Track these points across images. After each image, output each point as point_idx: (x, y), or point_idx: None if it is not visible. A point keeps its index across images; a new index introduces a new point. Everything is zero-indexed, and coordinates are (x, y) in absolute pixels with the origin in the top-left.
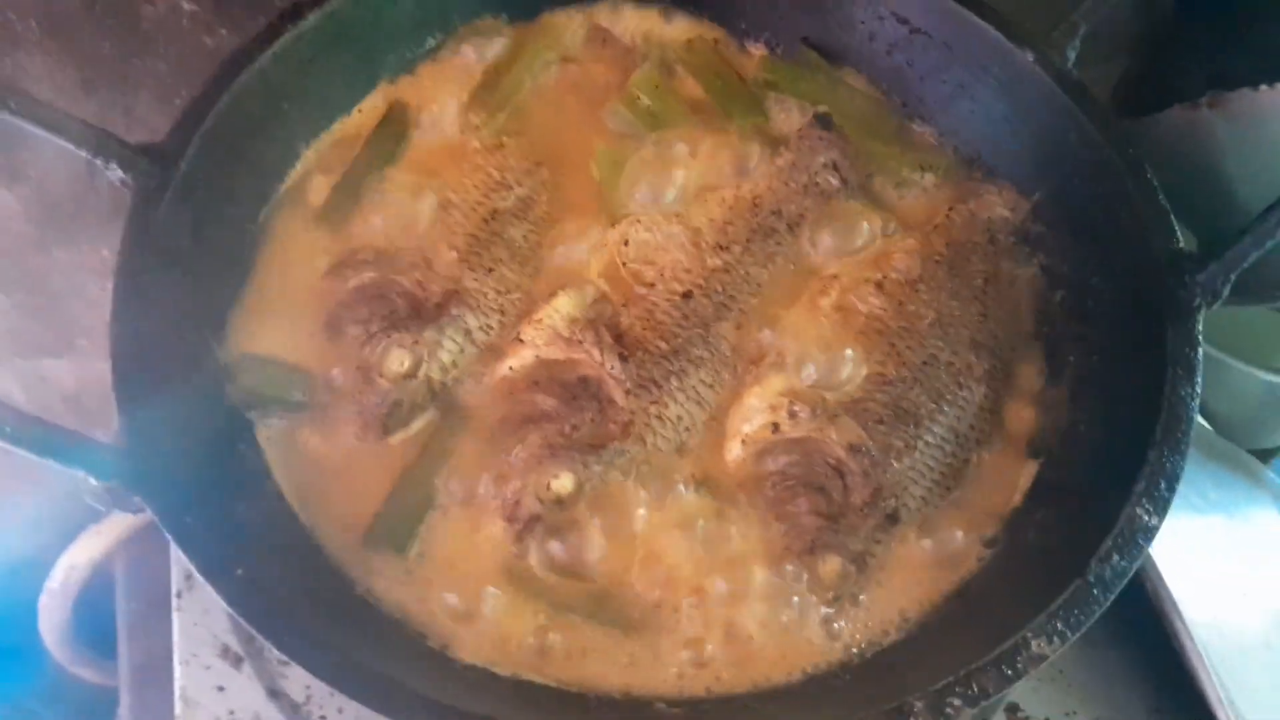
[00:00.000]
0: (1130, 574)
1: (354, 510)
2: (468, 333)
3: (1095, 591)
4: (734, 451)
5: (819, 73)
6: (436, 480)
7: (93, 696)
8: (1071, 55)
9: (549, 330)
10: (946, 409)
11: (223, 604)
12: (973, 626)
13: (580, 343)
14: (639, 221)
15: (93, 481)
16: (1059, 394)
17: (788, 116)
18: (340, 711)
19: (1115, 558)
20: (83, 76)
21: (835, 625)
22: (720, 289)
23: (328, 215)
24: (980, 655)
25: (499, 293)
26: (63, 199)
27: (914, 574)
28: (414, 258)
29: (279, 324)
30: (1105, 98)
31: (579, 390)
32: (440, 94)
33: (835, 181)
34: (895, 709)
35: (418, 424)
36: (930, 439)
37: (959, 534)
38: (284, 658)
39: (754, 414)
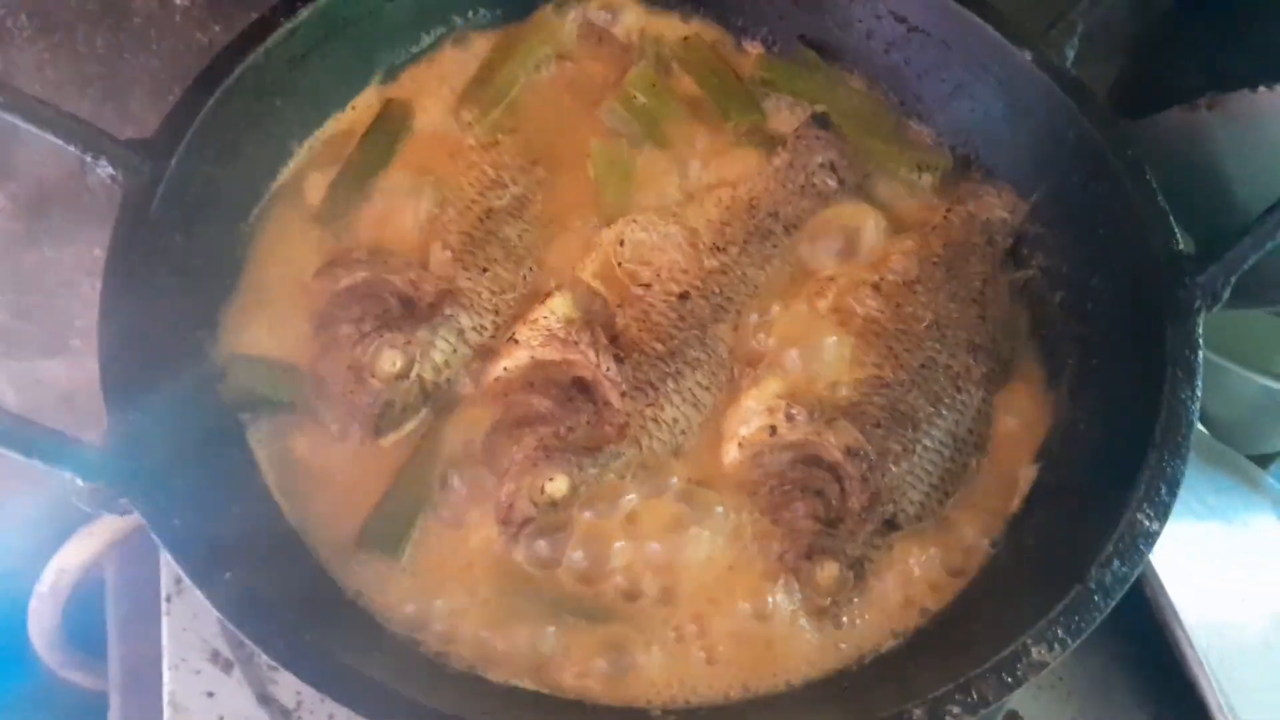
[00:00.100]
0: (1131, 580)
1: (345, 513)
2: (461, 333)
3: (1096, 598)
4: (730, 454)
5: (816, 71)
6: (429, 482)
7: (83, 700)
8: (1070, 54)
9: (544, 331)
10: (945, 412)
11: (211, 609)
12: (971, 632)
13: (575, 344)
14: (635, 221)
15: (80, 483)
16: (1058, 397)
17: (785, 115)
18: (331, 718)
19: (1116, 563)
20: (75, 73)
21: (832, 631)
22: (717, 290)
23: (323, 213)
24: (979, 662)
25: (493, 292)
26: (54, 197)
27: (912, 579)
28: (407, 256)
29: (270, 323)
30: (1102, 98)
31: (574, 392)
32: (435, 91)
33: (832, 182)
34: (894, 716)
35: (410, 425)
36: (928, 443)
37: (957, 539)
38: (274, 663)
39: (751, 416)
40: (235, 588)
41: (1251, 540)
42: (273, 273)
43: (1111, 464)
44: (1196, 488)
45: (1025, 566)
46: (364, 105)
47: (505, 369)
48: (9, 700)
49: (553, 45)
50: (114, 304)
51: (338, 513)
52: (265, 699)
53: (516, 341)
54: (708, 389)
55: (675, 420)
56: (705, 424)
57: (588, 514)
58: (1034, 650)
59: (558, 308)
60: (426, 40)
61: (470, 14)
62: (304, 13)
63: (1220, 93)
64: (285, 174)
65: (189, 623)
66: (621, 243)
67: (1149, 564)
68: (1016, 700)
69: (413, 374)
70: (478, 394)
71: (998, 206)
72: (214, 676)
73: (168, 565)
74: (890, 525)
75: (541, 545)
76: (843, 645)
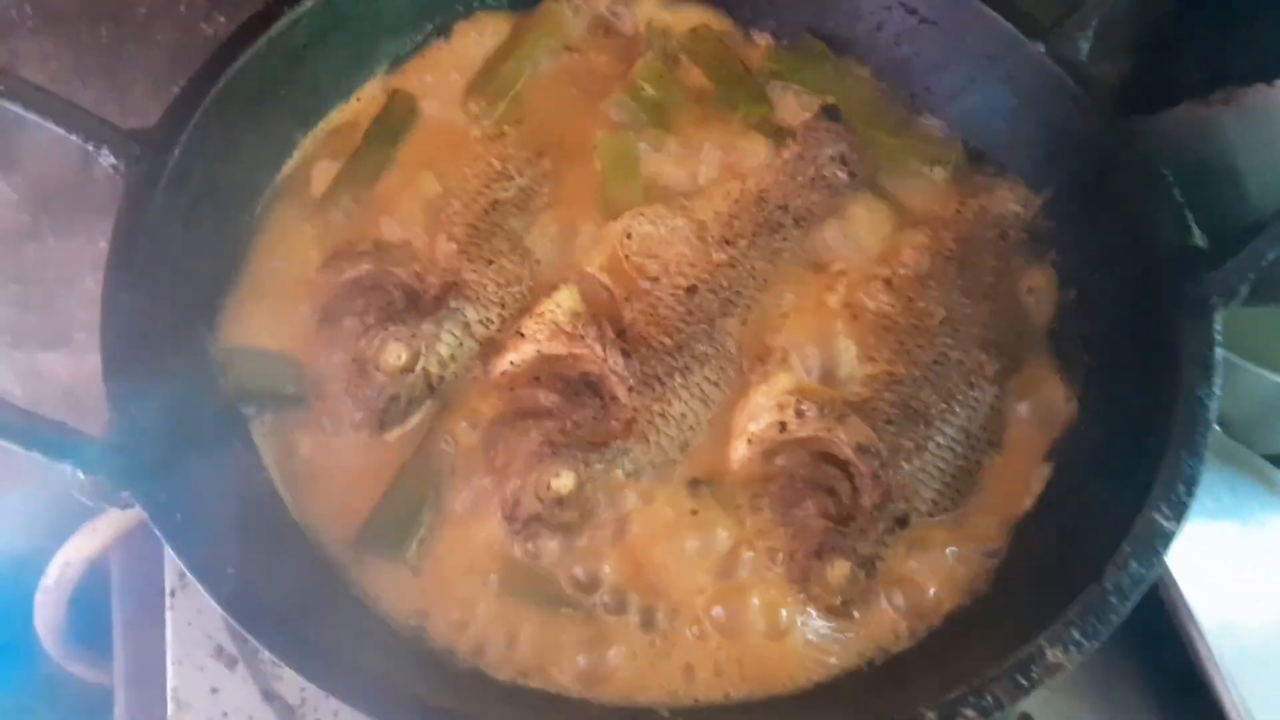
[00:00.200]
0: (1149, 581)
1: (349, 508)
2: (466, 326)
3: (1112, 599)
4: (739, 451)
5: (825, 63)
6: (434, 478)
7: (89, 693)
8: (1084, 47)
9: (550, 324)
10: (958, 409)
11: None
12: (985, 634)
13: (582, 338)
14: (642, 214)
15: (81, 476)
16: (1071, 394)
17: (794, 108)
18: (335, 715)
19: (1133, 564)
20: (78, 64)
21: (843, 631)
22: (725, 284)
23: (327, 205)
24: (993, 664)
25: (499, 285)
26: (58, 188)
27: (924, 579)
28: (412, 249)
29: (273, 316)
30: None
31: (581, 386)
32: (440, 82)
33: (843, 174)
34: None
35: (415, 419)
36: (941, 440)
37: (969, 538)
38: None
39: (760, 412)
40: (238, 583)
41: (1267, 540)
42: (276, 265)
43: (1126, 463)
44: (1211, 486)
45: (1039, 567)
46: (368, 96)
47: (511, 363)
48: (15, 693)
49: (560, 36)
50: (115, 296)
51: (342, 508)
52: (269, 695)
53: (522, 335)
54: (716, 384)
55: (683, 416)
56: (713, 420)
57: (593, 510)
58: (1049, 653)
59: (564, 301)
60: (431, 30)
61: (476, 4)
62: (307, 3)
63: (1234, 87)
64: (289, 166)
65: (193, 618)
66: (629, 236)
67: (1163, 564)
68: (1026, 702)
69: (417, 367)
70: (483, 388)
71: (1010, 201)
72: (218, 672)
73: (171, 560)
74: (902, 524)
75: (553, 548)
76: (853, 646)
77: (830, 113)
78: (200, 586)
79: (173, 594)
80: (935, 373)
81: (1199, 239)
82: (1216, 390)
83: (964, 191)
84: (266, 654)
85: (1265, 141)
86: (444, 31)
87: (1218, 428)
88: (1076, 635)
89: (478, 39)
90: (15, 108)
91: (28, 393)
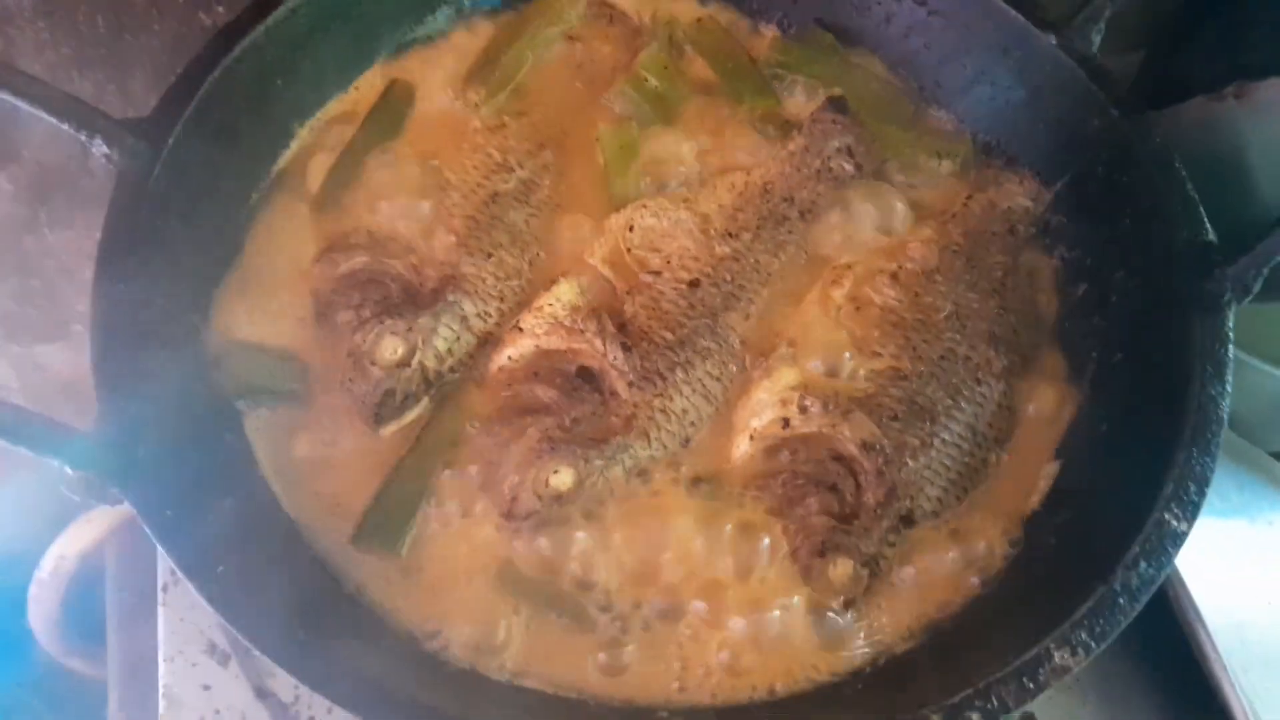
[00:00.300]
0: (1158, 582)
1: (344, 504)
2: (464, 320)
3: (1121, 600)
4: (742, 447)
5: (833, 55)
6: (430, 474)
7: (83, 687)
8: (1096, 39)
9: (550, 319)
10: (964, 405)
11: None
12: (990, 635)
13: (582, 332)
14: (645, 207)
15: (70, 472)
16: (1080, 391)
17: (800, 100)
18: (329, 712)
19: (1142, 565)
20: (76, 54)
21: (846, 632)
22: (729, 278)
23: (323, 197)
24: (999, 666)
25: (498, 279)
26: (57, 180)
27: (928, 579)
28: (410, 241)
29: (268, 309)
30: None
31: (580, 382)
32: (440, 71)
33: (849, 167)
34: None
35: (411, 415)
36: (947, 436)
37: (976, 537)
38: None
39: (763, 408)
40: (229, 581)
41: (1275, 538)
42: (271, 257)
43: (1136, 461)
44: (1220, 485)
45: (1046, 567)
46: (367, 86)
47: (510, 358)
48: (9, 686)
49: (562, 25)
50: (108, 288)
51: (336, 504)
52: (263, 692)
53: (521, 329)
54: (718, 379)
55: (685, 412)
56: (715, 416)
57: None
58: (1056, 655)
59: (564, 295)
60: (431, 19)
61: None
62: None
63: (1247, 82)
64: (286, 156)
65: (186, 613)
66: (631, 228)
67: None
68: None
69: (414, 362)
70: (481, 383)
71: (1019, 195)
72: (210, 669)
73: (164, 555)
74: (906, 522)
75: (543, 543)
76: (856, 646)
77: (837, 105)
78: (190, 585)
79: (165, 590)
80: (942, 368)
81: (1210, 235)
82: (1229, 388)
83: (972, 185)
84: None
85: (1277, 137)
86: (445, 20)
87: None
88: (1084, 637)
89: (479, 28)
90: (5, 96)
91: (26, 385)
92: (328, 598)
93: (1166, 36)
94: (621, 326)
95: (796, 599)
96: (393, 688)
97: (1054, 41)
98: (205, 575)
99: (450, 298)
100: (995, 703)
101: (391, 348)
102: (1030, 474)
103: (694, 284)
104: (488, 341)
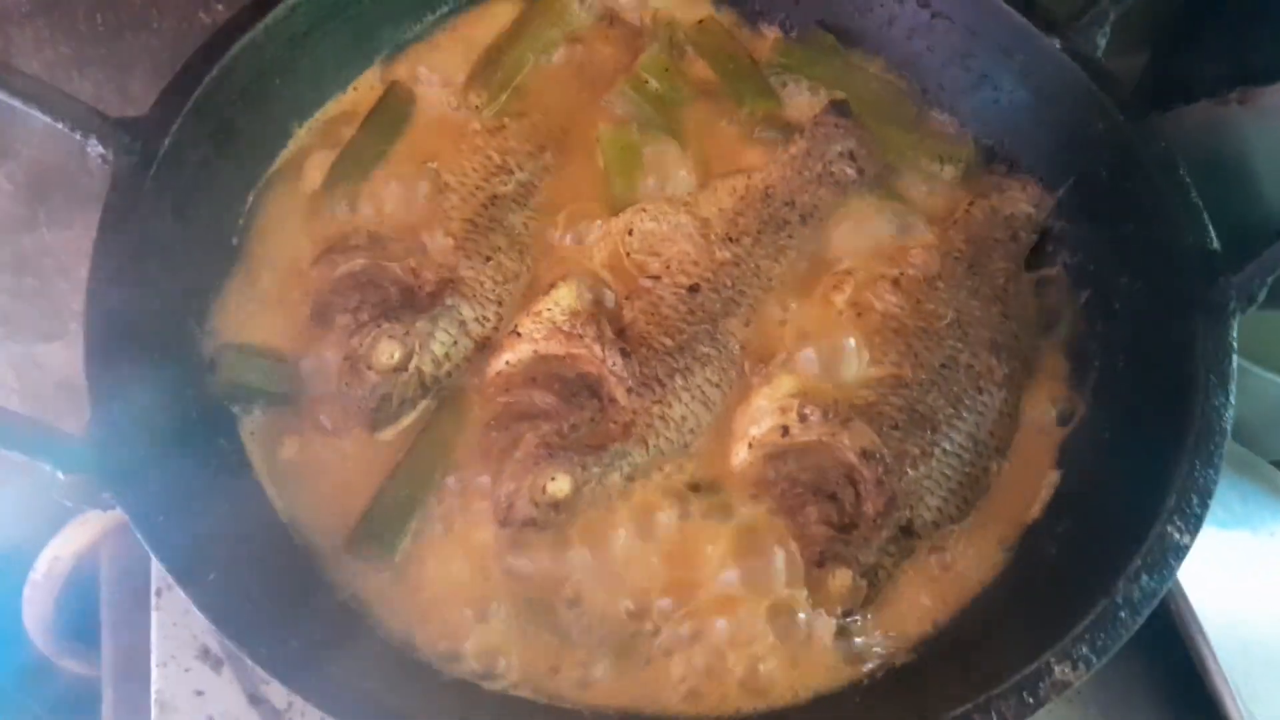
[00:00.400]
0: (1160, 595)
1: (339, 510)
2: (462, 324)
3: (1123, 614)
4: (740, 455)
5: (835, 57)
6: (426, 480)
7: (78, 686)
8: (1101, 43)
9: (548, 323)
10: (965, 414)
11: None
12: (990, 647)
13: (580, 337)
14: (645, 210)
15: (61, 477)
16: (1082, 400)
17: (802, 102)
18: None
19: (1144, 578)
20: (75, 52)
21: (844, 643)
22: (729, 283)
23: (321, 198)
24: (999, 679)
25: (496, 282)
26: (55, 178)
27: (928, 589)
28: (408, 244)
29: (265, 311)
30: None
31: (578, 387)
32: (440, 72)
33: (851, 172)
34: None
35: (408, 419)
36: (948, 446)
37: (976, 548)
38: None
39: (762, 416)
40: (221, 588)
41: (1277, 548)
42: (268, 259)
43: (1138, 472)
44: (1221, 495)
45: (1046, 578)
46: (366, 86)
47: (508, 362)
48: (4, 685)
49: (563, 27)
50: (102, 289)
51: (332, 510)
52: (256, 699)
53: (519, 334)
54: (718, 386)
55: (684, 419)
56: (714, 423)
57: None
58: (1057, 669)
59: (562, 299)
60: (432, 19)
61: None
62: None
63: (1252, 86)
64: (284, 156)
65: (179, 618)
66: (630, 232)
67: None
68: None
69: (411, 366)
70: (479, 388)
71: (1022, 200)
72: (203, 675)
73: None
74: (906, 532)
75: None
76: (854, 658)
77: (839, 108)
78: (182, 592)
79: (159, 594)
80: (943, 376)
81: (1215, 242)
82: (1232, 399)
83: (975, 190)
84: None
85: None
86: (445, 20)
87: None
88: (1085, 651)
89: (479, 28)
90: (0, 95)
91: (24, 384)
92: (321, 605)
93: (1170, 38)
94: (620, 332)
95: (794, 610)
96: (385, 697)
97: (1058, 44)
98: (197, 582)
99: (448, 301)
100: (995, 718)
101: (388, 352)
102: (1031, 483)
103: (694, 289)
104: (485, 346)
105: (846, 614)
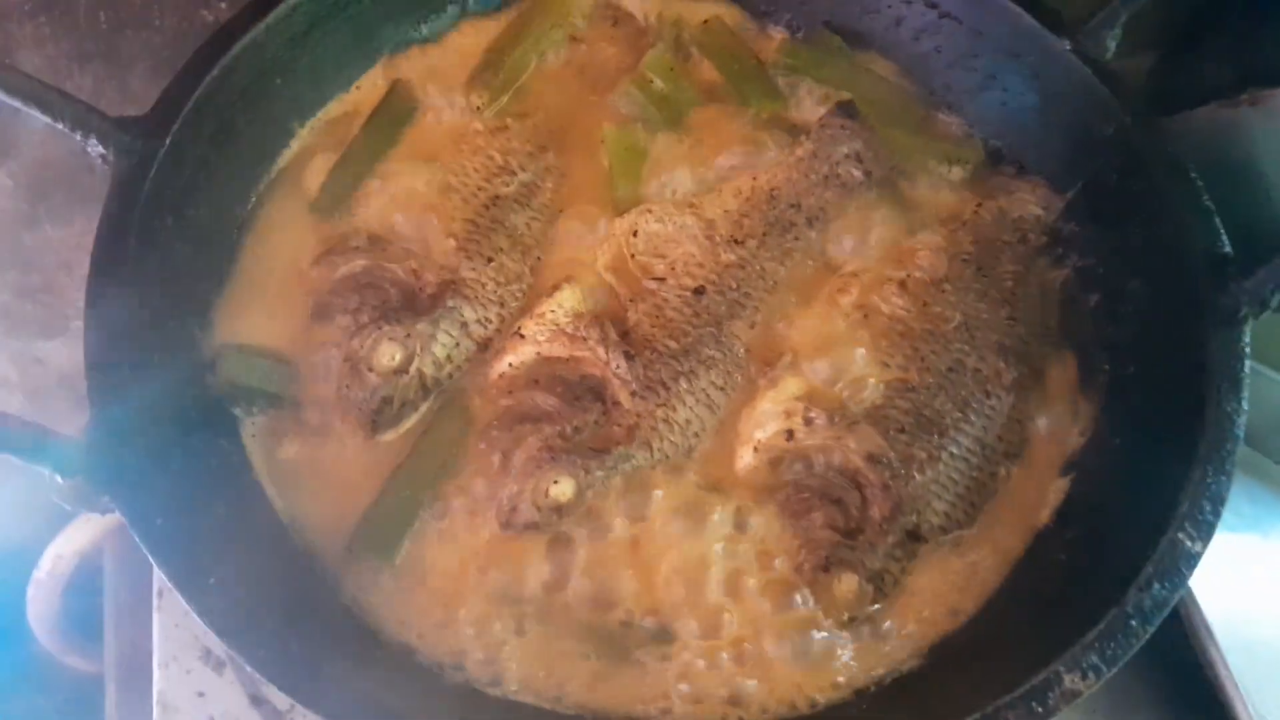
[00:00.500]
0: (1171, 604)
1: (340, 512)
2: (464, 326)
3: (1134, 623)
4: (745, 459)
5: (842, 58)
6: (427, 482)
7: (82, 683)
8: (1112, 44)
9: (552, 325)
10: (973, 418)
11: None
12: (998, 655)
13: (584, 339)
14: (649, 211)
15: (60, 480)
16: (1091, 405)
17: (808, 103)
18: None
19: (1155, 586)
20: (75, 50)
21: (850, 649)
22: (734, 285)
23: (322, 199)
24: (1007, 687)
25: (498, 284)
26: (57, 176)
27: (935, 596)
28: (409, 245)
29: (265, 312)
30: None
31: (582, 390)
32: (442, 72)
33: (858, 173)
34: None
35: (409, 422)
36: (955, 450)
37: (984, 554)
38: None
39: (768, 419)
40: (220, 594)
41: None
42: (268, 260)
43: (1149, 477)
44: (1231, 499)
45: (1056, 585)
46: (368, 86)
47: (510, 364)
48: (8, 683)
49: (566, 26)
50: (101, 290)
51: (332, 512)
52: (257, 700)
53: (522, 336)
54: (723, 389)
55: (688, 422)
56: (719, 427)
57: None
58: (1067, 678)
59: (566, 301)
60: (434, 19)
61: None
62: None
63: (1261, 89)
64: (285, 156)
65: (181, 619)
66: (635, 234)
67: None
68: None
69: (412, 368)
70: (481, 390)
71: (1030, 202)
72: (205, 676)
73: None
74: (913, 537)
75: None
76: (860, 664)
77: (846, 109)
78: (180, 597)
79: (160, 595)
80: (950, 380)
81: (1227, 246)
82: (1244, 405)
83: (983, 192)
84: None
85: None
86: (447, 19)
87: None
88: (1095, 660)
89: (481, 28)
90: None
91: (25, 380)
92: (322, 609)
93: (1179, 40)
94: (624, 334)
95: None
96: (386, 702)
97: (1068, 46)
98: (196, 587)
99: (450, 303)
100: None
101: (389, 354)
102: (1040, 489)
103: (699, 291)
104: (488, 348)
105: (851, 620)
